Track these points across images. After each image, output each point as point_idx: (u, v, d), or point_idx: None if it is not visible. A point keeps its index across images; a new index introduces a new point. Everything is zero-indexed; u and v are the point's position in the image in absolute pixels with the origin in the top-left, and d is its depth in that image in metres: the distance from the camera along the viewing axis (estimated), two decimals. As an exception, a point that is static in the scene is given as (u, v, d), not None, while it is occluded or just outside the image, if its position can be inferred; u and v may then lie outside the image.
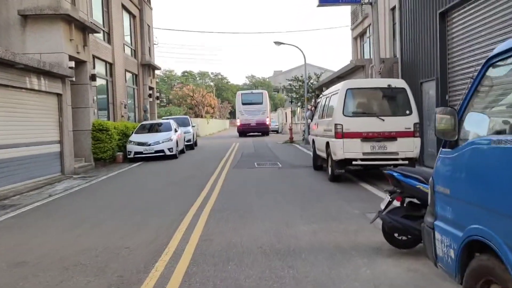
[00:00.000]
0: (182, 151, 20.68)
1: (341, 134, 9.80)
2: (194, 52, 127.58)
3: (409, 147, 9.72)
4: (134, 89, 24.25)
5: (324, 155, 11.30)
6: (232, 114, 69.76)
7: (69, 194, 10.33)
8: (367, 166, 10.20)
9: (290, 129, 27.29)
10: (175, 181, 11.48)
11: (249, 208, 7.74)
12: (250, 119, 36.42)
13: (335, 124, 9.89)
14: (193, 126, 24.34)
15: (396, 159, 9.72)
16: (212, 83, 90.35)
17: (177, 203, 8.43)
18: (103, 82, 19.39)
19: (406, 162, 9.70)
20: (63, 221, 7.36)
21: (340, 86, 10.31)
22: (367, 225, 6.22)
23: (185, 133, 22.75)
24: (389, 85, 9.97)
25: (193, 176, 12.27)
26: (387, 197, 5.06)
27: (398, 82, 10.18)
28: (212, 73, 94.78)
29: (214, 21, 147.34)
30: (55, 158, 13.47)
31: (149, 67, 26.06)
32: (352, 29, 26.18)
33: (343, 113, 9.88)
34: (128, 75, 23.11)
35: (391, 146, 9.72)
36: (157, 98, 27.82)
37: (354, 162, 9.80)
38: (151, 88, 26.60)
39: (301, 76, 27.40)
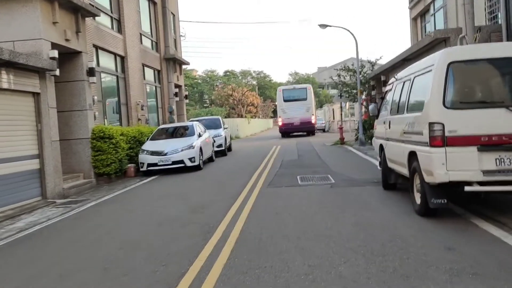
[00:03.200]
0: (210, 159, 17.12)
1: (441, 140, 5.72)
2: (235, 50, 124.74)
3: None
4: (156, 87, 20.96)
5: (404, 171, 7.24)
6: (276, 113, 65.89)
7: (13, 242, 6.88)
8: (490, 192, 6.03)
9: (341, 128, 23.09)
10: (177, 216, 7.78)
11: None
12: (293, 117, 32.46)
13: (430, 124, 5.82)
14: (225, 128, 20.72)
15: (545, 182, 5.52)
16: (254, 82, 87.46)
17: (146, 279, 4.69)
18: (113, 78, 16.15)
19: None
20: None
21: (435, 59, 6.18)
22: None
23: (215, 137, 19.21)
24: (527, 52, 5.75)
25: (207, 205, 8.53)
26: None
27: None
28: (254, 71, 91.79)
29: (252, 15, 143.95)
30: (31, 178, 10.19)
31: (175, 62, 22.73)
32: (411, 8, 21.57)
33: (443, 103, 5.78)
34: (148, 71, 19.84)
35: (535, 159, 5.52)
36: (186, 97, 24.47)
37: (467, 188, 5.67)
38: (177, 86, 23.27)
39: (352, 65, 23.09)
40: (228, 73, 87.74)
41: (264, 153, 19.55)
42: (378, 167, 9.62)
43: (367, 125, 21.82)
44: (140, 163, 14.25)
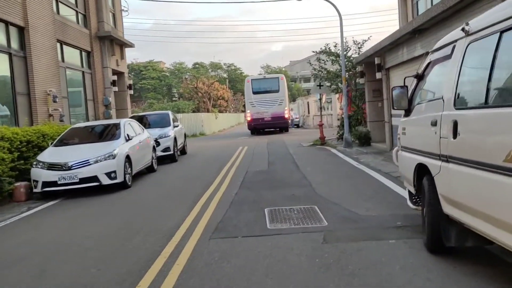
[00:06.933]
0: (150, 169, 12.61)
1: None
2: (205, 41, 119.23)
3: None
4: (84, 73, 16.15)
5: (506, 239, 2.96)
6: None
7: None
8: None
9: (321, 125, 18.87)
10: None
11: None
12: (264, 111, 28.14)
13: None
14: (175, 126, 16.11)
15: None
16: (225, 75, 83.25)
17: None
18: (3, 57, 11.33)
19: None
20: None
21: None
22: None
23: (160, 138, 14.67)
24: None
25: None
26: None
27: None
28: (224, 63, 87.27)
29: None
30: None
31: (113, 42, 17.94)
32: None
33: None
34: (70, 50, 15.06)
35: None
36: (129, 87, 19.70)
37: None
38: (117, 73, 18.51)
39: (335, 47, 18.85)
40: (197, 66, 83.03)
41: (226, 157, 15.15)
42: (410, 205, 5.34)
43: (354, 121, 17.72)
44: (33, 180, 9.57)
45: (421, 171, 4.72)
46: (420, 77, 5.00)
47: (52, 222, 7.45)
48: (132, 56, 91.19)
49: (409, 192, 5.36)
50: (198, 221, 6.54)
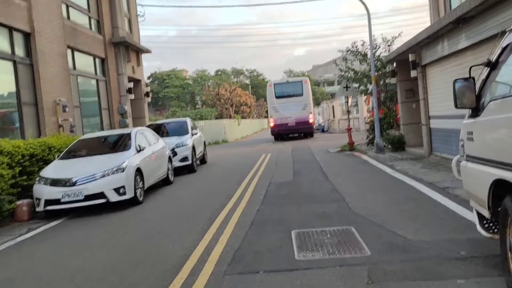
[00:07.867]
0: (166, 181, 11.67)
1: None
2: (226, 48, 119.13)
3: None
4: (97, 80, 15.40)
5: None
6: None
7: None
8: None
9: (349, 130, 17.59)
10: None
11: None
12: (287, 116, 27.00)
13: None
14: (194, 134, 15.14)
15: None
16: (247, 81, 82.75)
17: None
18: (7, 65, 10.60)
19: None
20: None
21: None
22: None
23: (177, 147, 13.76)
24: None
25: None
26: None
27: None
28: (247, 69, 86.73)
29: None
30: None
31: (128, 48, 17.18)
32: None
33: None
34: (82, 57, 14.33)
35: None
36: (147, 94, 18.91)
37: None
38: (134, 80, 17.75)
39: (362, 45, 17.60)
40: (219, 72, 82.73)
41: (248, 166, 14.09)
42: (482, 232, 4.12)
43: (386, 125, 16.42)
44: (35, 198, 8.71)
45: (500, 188, 3.54)
46: (493, 65, 3.81)
47: (46, 249, 6.51)
48: (155, 65, 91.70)
49: (479, 214, 4.16)
50: (212, 247, 5.48)
